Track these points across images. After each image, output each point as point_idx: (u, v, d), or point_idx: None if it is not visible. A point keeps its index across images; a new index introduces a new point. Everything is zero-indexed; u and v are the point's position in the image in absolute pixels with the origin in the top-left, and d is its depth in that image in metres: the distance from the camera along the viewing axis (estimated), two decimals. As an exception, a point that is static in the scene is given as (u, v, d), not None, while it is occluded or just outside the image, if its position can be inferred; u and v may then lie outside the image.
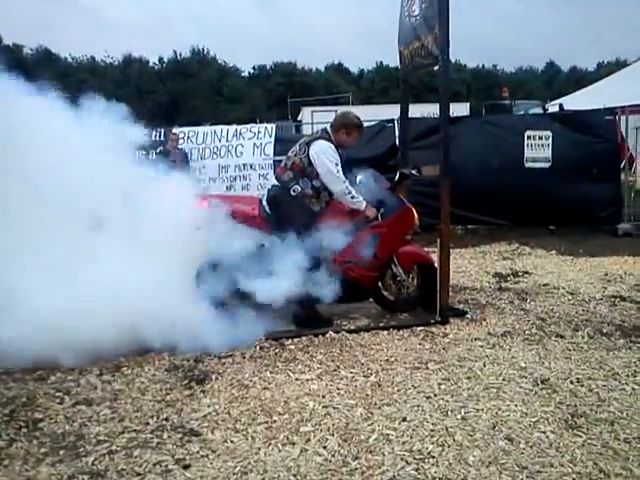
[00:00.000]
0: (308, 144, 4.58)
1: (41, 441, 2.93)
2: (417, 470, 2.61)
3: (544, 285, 5.97)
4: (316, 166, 4.50)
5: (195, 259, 4.38)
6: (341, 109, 11.96)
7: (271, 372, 3.75)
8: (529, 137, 9.40)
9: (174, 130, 10.23)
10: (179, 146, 9.75)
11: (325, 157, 4.49)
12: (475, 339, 4.31)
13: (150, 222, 4.15)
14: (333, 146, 4.56)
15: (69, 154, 4.04)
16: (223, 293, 4.29)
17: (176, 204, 4.26)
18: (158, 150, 9.71)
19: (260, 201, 4.77)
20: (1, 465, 2.72)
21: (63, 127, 4.13)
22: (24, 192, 3.92)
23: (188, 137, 10.17)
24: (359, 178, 4.96)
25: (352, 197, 4.58)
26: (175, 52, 53.56)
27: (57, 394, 3.44)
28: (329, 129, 4.70)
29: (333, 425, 3.02)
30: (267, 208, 4.68)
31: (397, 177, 4.95)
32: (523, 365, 3.79)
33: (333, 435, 2.92)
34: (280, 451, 2.79)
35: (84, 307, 3.69)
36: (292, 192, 4.55)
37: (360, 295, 4.91)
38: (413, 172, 5.03)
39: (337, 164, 4.51)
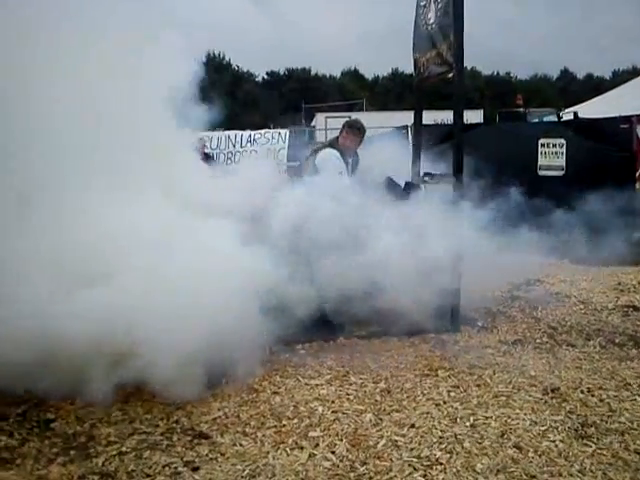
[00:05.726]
0: (316, 151, 4.70)
1: (52, 441, 2.96)
2: (425, 477, 2.61)
3: (556, 294, 5.92)
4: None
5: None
6: (355, 115, 12.02)
7: (281, 377, 3.76)
8: (543, 145, 9.36)
9: (200, 135, 10.34)
10: (205, 151, 9.83)
11: (327, 165, 4.62)
12: (486, 347, 4.30)
13: None
14: (338, 154, 4.64)
15: None
16: None
17: None
18: None
19: None
20: (13, 464, 2.75)
21: None
22: None
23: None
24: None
25: None
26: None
27: (69, 395, 3.47)
28: None
29: (342, 430, 3.03)
30: None
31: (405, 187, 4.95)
32: (533, 374, 3.77)
33: (342, 440, 2.93)
34: (289, 455, 2.80)
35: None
36: None
37: None
38: (426, 179, 5.03)
39: (341, 172, 4.61)
